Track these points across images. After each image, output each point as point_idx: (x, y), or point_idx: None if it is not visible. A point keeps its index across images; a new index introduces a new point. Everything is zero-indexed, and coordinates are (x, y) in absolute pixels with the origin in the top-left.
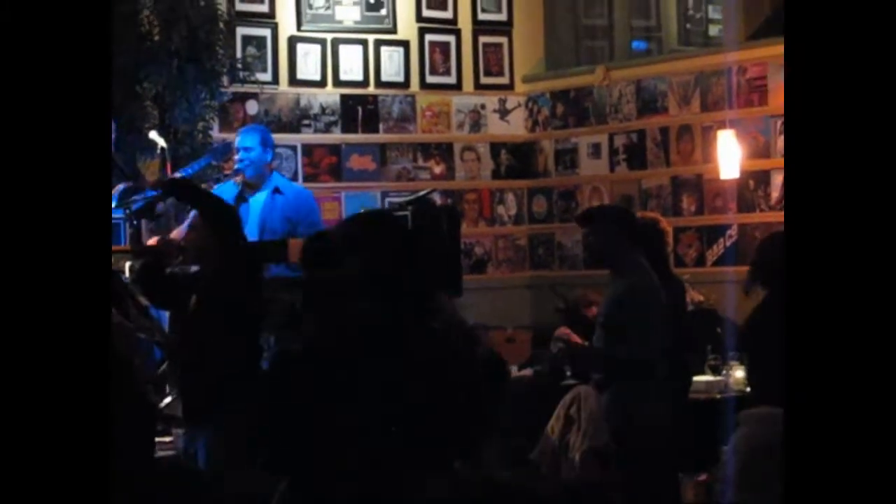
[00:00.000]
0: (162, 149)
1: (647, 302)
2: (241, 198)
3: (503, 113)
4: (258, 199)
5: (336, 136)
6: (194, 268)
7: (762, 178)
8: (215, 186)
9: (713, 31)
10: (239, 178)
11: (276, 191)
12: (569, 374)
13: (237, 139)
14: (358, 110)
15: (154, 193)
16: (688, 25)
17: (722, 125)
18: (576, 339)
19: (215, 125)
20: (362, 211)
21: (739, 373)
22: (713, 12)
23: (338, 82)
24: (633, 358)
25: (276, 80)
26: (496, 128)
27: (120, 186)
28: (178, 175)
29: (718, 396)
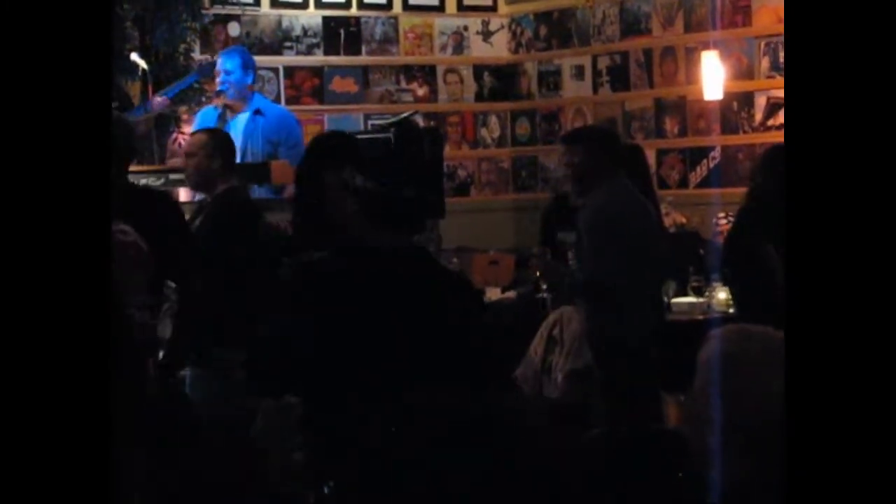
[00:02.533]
0: (143, 70)
1: (630, 220)
2: (223, 120)
3: (486, 35)
4: (240, 121)
5: (318, 59)
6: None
7: (746, 99)
8: (198, 111)
9: None
10: (220, 101)
11: (258, 112)
12: (544, 288)
13: (218, 62)
14: (340, 32)
15: (138, 115)
16: None
17: (706, 46)
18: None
19: (196, 47)
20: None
21: (722, 294)
22: None
23: (320, 4)
24: (606, 278)
25: (257, 2)
26: (479, 50)
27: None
28: (161, 96)
29: (701, 318)
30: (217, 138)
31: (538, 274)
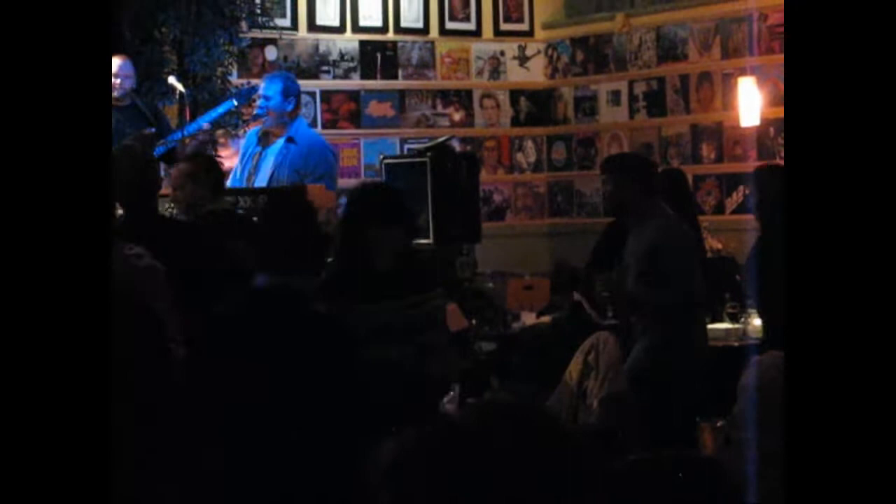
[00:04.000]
0: (181, 94)
1: (681, 248)
2: (262, 143)
3: (523, 60)
4: (273, 148)
5: (355, 83)
6: None
7: (782, 125)
8: (234, 135)
9: None
10: (259, 125)
11: (290, 140)
12: (610, 314)
13: (261, 85)
14: (377, 56)
15: (175, 139)
16: None
17: (742, 72)
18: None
19: (234, 71)
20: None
21: (757, 321)
22: None
23: (357, 28)
24: (667, 303)
25: (295, 26)
26: (515, 75)
27: (145, 132)
28: (204, 124)
29: (736, 344)
30: (201, 164)
31: (605, 295)
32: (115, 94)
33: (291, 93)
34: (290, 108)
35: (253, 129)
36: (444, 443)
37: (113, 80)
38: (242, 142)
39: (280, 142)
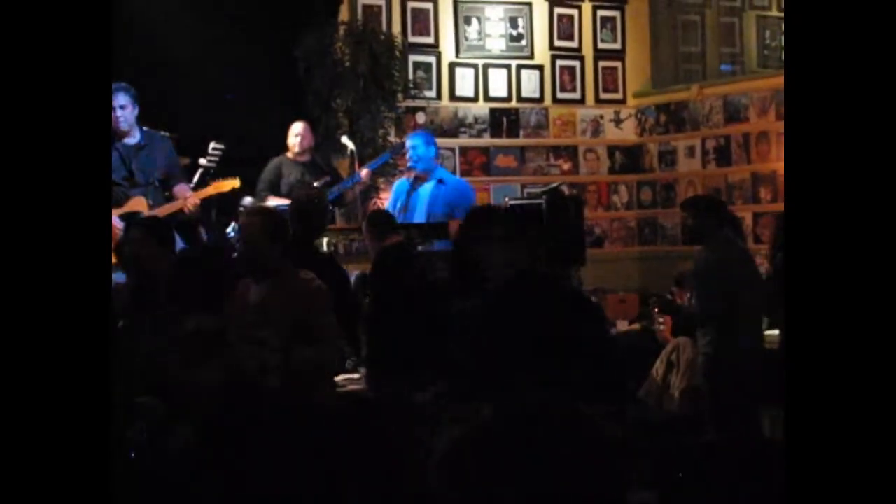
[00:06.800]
0: (351, 151)
1: (731, 267)
2: (413, 188)
3: (617, 121)
4: (426, 189)
5: (486, 141)
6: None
7: None
8: (393, 182)
9: None
10: (411, 174)
11: (440, 182)
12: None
13: (407, 142)
14: (503, 120)
15: (346, 186)
16: (765, 52)
17: None
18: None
19: (392, 131)
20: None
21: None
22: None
23: (487, 98)
24: (718, 312)
25: (439, 97)
26: (612, 133)
27: (322, 181)
28: (365, 169)
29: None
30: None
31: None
32: (296, 150)
33: (431, 142)
34: (433, 153)
35: (400, 179)
36: (484, 439)
37: (294, 138)
38: (392, 189)
39: (431, 183)
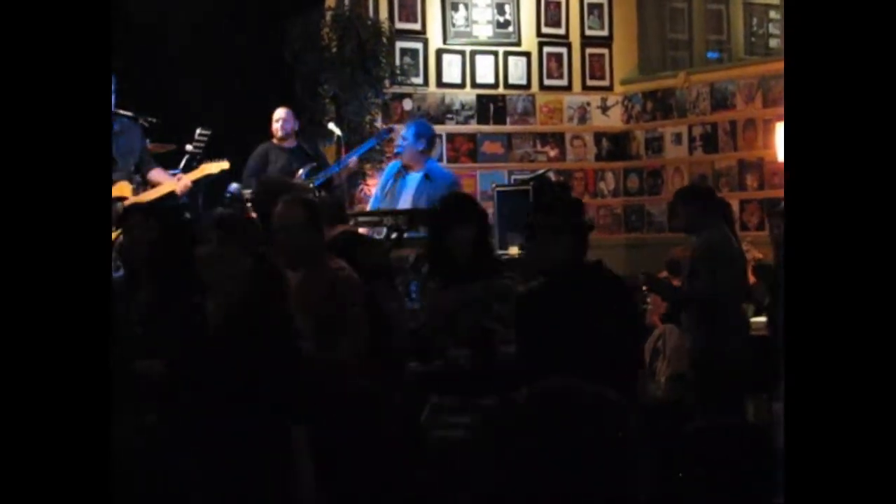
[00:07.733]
0: (338, 137)
1: (723, 253)
2: (401, 173)
3: (604, 109)
4: (413, 179)
5: (473, 127)
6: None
7: None
8: (388, 164)
9: (773, 43)
10: (398, 158)
11: (428, 177)
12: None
13: (403, 129)
14: (490, 107)
15: (332, 172)
16: (752, 39)
17: (780, 118)
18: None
19: (379, 118)
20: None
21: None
22: (773, 28)
23: (474, 84)
24: (702, 296)
25: (426, 83)
26: (599, 120)
27: (307, 167)
28: (352, 157)
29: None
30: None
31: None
32: (279, 134)
33: (423, 136)
34: (420, 147)
35: (392, 162)
36: (508, 422)
37: (276, 123)
38: (382, 172)
39: (418, 176)
